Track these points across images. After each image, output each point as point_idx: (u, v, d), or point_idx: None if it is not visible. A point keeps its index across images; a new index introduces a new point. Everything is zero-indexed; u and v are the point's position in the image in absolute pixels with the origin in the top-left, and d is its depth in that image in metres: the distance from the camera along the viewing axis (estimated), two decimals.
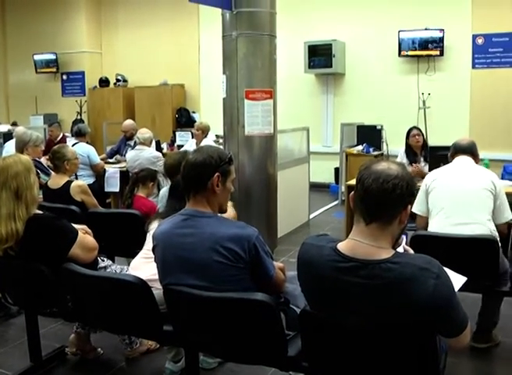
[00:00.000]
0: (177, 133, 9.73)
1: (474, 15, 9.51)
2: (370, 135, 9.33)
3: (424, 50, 9.88)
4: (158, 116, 12.38)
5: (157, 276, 2.82)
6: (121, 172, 7.32)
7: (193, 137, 8.36)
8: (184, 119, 12.23)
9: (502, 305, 4.15)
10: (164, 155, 7.41)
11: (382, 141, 9.30)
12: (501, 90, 9.38)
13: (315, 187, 9.60)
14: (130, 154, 6.98)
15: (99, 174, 7.31)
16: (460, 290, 2.39)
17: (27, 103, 13.98)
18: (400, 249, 2.30)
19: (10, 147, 6.65)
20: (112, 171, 7.39)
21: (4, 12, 14.54)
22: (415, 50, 9.98)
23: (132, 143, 7.93)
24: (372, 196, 1.98)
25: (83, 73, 13.57)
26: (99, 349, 3.95)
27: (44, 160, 6.22)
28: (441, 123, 9.27)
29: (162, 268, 2.69)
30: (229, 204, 3.03)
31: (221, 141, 7.47)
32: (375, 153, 8.96)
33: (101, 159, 7.67)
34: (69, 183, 4.90)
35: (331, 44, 10.29)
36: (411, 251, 2.36)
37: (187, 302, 2.58)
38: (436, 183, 4.04)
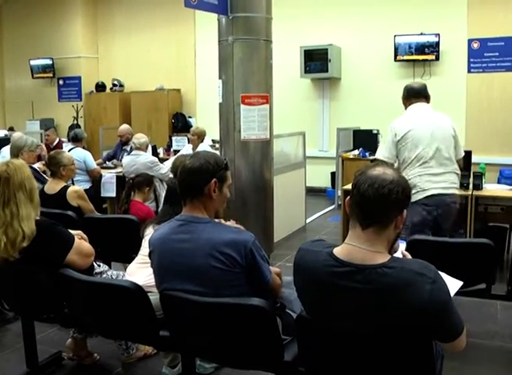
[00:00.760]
0: (173, 138, 9.73)
1: (469, 19, 9.54)
2: (366, 140, 9.35)
3: (420, 54, 9.91)
4: (154, 121, 12.38)
5: (153, 282, 2.82)
6: (117, 177, 7.31)
7: (189, 142, 8.36)
8: (180, 124, 12.23)
9: (500, 310, 4.18)
10: (160, 160, 7.41)
11: (379, 146, 9.30)
12: (497, 94, 9.41)
13: (311, 192, 9.63)
14: (126, 159, 6.98)
15: (95, 179, 7.31)
16: (457, 294, 2.40)
17: (23, 108, 13.97)
18: (399, 254, 2.31)
19: (6, 152, 6.65)
20: (109, 176, 7.38)
21: (0, 17, 14.54)
22: (411, 54, 10.00)
23: (128, 148, 7.93)
24: (368, 201, 1.99)
25: (79, 78, 13.57)
26: (96, 355, 3.95)
27: (39, 165, 6.21)
28: None
29: (159, 273, 2.69)
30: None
31: (217, 146, 7.47)
32: (372, 157, 8.96)
33: (98, 164, 7.67)
34: (65, 188, 4.90)
35: (327, 49, 10.31)
36: (409, 257, 2.37)
37: (184, 308, 2.58)
38: (408, 136, 4.39)
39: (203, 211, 2.61)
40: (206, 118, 11.20)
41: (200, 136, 7.83)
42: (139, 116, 12.48)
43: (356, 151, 9.26)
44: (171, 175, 6.11)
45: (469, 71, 9.73)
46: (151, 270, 2.84)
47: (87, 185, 7.04)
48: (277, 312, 2.66)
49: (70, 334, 3.87)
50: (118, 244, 4.20)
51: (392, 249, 2.11)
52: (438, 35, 9.67)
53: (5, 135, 9.01)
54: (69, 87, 13.76)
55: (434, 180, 4.31)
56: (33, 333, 3.65)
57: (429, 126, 4.43)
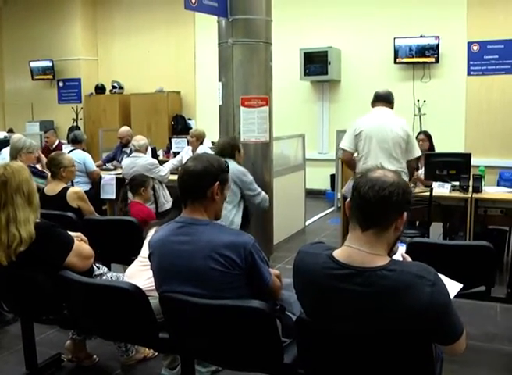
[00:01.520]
0: (173, 141, 9.72)
1: (469, 22, 9.55)
2: None
3: (420, 57, 9.92)
4: (153, 123, 12.38)
5: (153, 286, 2.82)
6: (117, 179, 7.31)
7: (189, 144, 8.36)
8: (180, 127, 12.24)
9: (500, 313, 4.18)
10: (160, 162, 7.41)
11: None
12: (496, 97, 9.42)
13: (311, 194, 9.63)
14: (126, 161, 6.98)
15: (95, 181, 7.31)
16: (456, 296, 2.40)
17: (23, 110, 13.98)
18: (399, 257, 2.31)
19: (6, 154, 6.65)
20: (108, 178, 7.38)
21: (0, 19, 14.55)
22: (410, 57, 10.01)
23: (128, 150, 7.93)
24: (368, 203, 1.99)
25: (79, 80, 13.57)
26: (95, 356, 3.95)
27: (39, 167, 6.21)
28: (436, 129, 9.26)
29: (158, 275, 2.69)
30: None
31: None
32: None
33: (97, 166, 7.67)
34: (65, 189, 4.91)
35: (326, 52, 10.32)
36: (409, 259, 2.37)
37: (183, 310, 2.57)
38: (364, 132, 5.23)
39: (203, 213, 2.62)
40: (206, 120, 11.19)
41: (200, 138, 7.83)
42: (139, 118, 12.48)
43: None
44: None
45: (469, 74, 9.74)
46: (150, 274, 2.84)
47: (87, 187, 7.04)
48: (277, 315, 2.66)
49: (69, 336, 3.86)
50: (118, 245, 4.19)
51: (391, 252, 2.11)
52: (437, 38, 9.68)
53: (5, 137, 9.00)
54: (69, 89, 13.77)
55: None
56: (33, 335, 3.65)
57: (381, 128, 5.16)
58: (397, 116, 5.32)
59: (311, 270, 2.11)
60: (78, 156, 6.93)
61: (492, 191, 5.93)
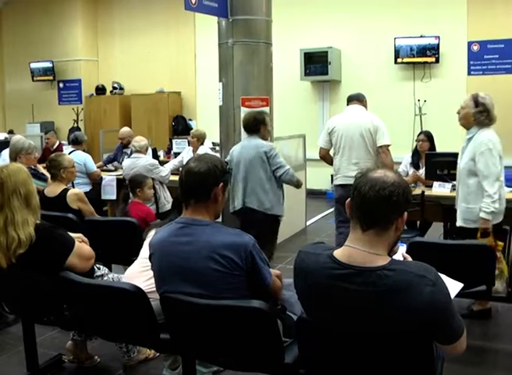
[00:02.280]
0: (174, 141, 9.72)
1: (469, 22, 9.55)
2: None
3: (420, 57, 9.92)
4: (154, 124, 12.39)
5: (153, 288, 2.82)
6: (118, 180, 7.31)
7: (189, 145, 8.36)
8: (181, 127, 12.24)
9: (501, 313, 4.18)
10: (160, 162, 7.41)
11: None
12: (497, 96, 9.27)
13: (312, 194, 9.63)
14: (127, 162, 6.98)
15: (96, 182, 7.31)
16: (457, 296, 2.39)
17: (24, 111, 13.98)
18: (399, 257, 2.31)
19: (6, 155, 6.66)
20: (109, 179, 7.38)
21: (0, 20, 14.57)
22: (411, 57, 10.01)
23: (129, 151, 7.93)
24: (369, 203, 1.98)
25: (79, 81, 13.58)
26: (96, 357, 3.95)
27: (40, 167, 6.21)
28: (437, 129, 9.21)
29: (159, 276, 2.69)
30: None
31: (217, 148, 7.47)
32: None
33: (98, 167, 7.67)
34: (65, 191, 4.91)
35: (327, 52, 10.32)
36: (410, 259, 2.36)
37: (184, 310, 2.57)
38: (336, 129, 5.65)
39: (204, 214, 2.62)
40: (206, 121, 11.19)
41: (201, 138, 7.83)
42: (139, 118, 12.49)
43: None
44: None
45: (469, 73, 9.74)
46: (149, 275, 2.84)
47: (88, 188, 7.04)
48: (277, 315, 2.66)
49: (70, 337, 3.86)
50: (118, 246, 4.19)
51: (391, 251, 2.11)
52: (438, 37, 9.68)
53: (5, 138, 9.01)
54: (70, 90, 13.77)
55: (349, 168, 5.48)
56: (34, 336, 3.65)
57: (352, 123, 5.56)
58: (369, 112, 5.77)
59: (311, 270, 2.11)
60: (79, 157, 6.93)
61: None
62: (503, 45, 9.40)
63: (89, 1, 13.49)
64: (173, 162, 7.90)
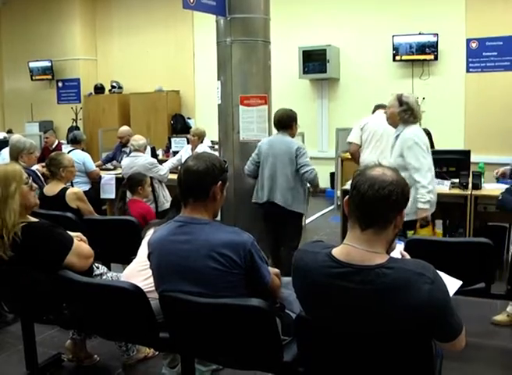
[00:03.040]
0: (172, 140, 9.71)
1: (467, 19, 9.55)
2: None
3: (419, 54, 9.91)
4: (153, 123, 12.39)
5: (151, 287, 2.83)
6: (117, 178, 7.31)
7: (188, 143, 8.36)
8: (179, 126, 12.23)
9: (500, 310, 4.18)
10: (159, 161, 7.41)
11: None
12: (495, 93, 9.41)
13: (311, 192, 9.60)
14: (125, 161, 6.97)
15: (95, 181, 7.31)
16: (456, 293, 2.40)
17: (23, 110, 13.98)
18: (397, 254, 2.31)
19: (6, 154, 6.65)
20: (108, 178, 7.38)
21: None
22: (409, 54, 10.01)
23: (128, 150, 7.92)
24: (368, 203, 1.98)
25: (78, 80, 13.57)
26: (95, 356, 3.95)
27: (39, 167, 6.20)
28: (436, 127, 9.25)
29: (158, 275, 2.69)
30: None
31: (216, 146, 7.47)
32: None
33: (97, 166, 7.67)
34: (64, 190, 4.91)
35: (325, 50, 10.32)
36: (408, 257, 2.36)
37: (183, 309, 2.58)
38: (367, 126, 6.62)
39: (203, 212, 2.62)
40: (205, 119, 11.18)
41: (201, 137, 7.83)
42: (138, 117, 12.49)
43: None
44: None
45: (468, 71, 9.74)
46: (148, 275, 2.84)
47: (87, 187, 7.03)
48: (276, 313, 2.66)
49: (70, 336, 3.87)
50: (117, 245, 4.19)
51: (389, 249, 2.11)
52: (436, 35, 9.68)
53: (4, 137, 9.01)
54: (68, 89, 13.77)
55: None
56: (33, 335, 3.65)
57: (380, 124, 5.97)
58: None
59: (310, 269, 2.11)
60: (78, 156, 6.92)
61: (491, 187, 5.91)
62: (501, 42, 9.39)
63: (87, 1, 13.49)
64: (172, 161, 7.90)
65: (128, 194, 5.60)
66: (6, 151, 6.69)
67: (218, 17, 5.81)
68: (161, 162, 7.54)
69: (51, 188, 4.96)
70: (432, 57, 9.84)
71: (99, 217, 5.10)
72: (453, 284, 2.44)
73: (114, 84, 13.01)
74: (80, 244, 3.28)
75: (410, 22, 9.88)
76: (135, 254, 3.58)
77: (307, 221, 8.29)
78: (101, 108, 13.04)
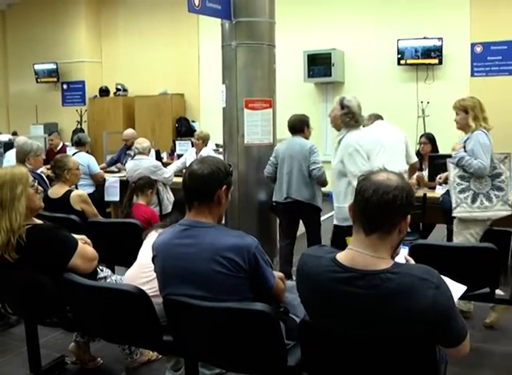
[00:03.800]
0: (177, 143, 9.72)
1: (472, 23, 9.54)
2: None
3: (423, 58, 9.91)
4: (157, 126, 12.39)
5: (153, 292, 2.83)
6: (121, 181, 7.32)
7: (193, 147, 8.36)
8: (184, 129, 12.24)
9: (504, 315, 4.17)
10: (164, 164, 7.42)
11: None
12: (500, 98, 9.38)
13: None
14: (130, 164, 6.98)
15: (99, 183, 7.32)
16: (460, 298, 2.39)
17: (28, 112, 14.00)
18: (402, 259, 2.31)
19: (11, 156, 6.66)
20: (112, 180, 7.39)
21: (4, 22, 14.61)
22: (414, 58, 10.00)
23: (132, 152, 7.94)
24: (373, 208, 1.98)
25: (83, 83, 13.60)
26: (99, 359, 3.95)
27: (44, 169, 6.22)
28: (440, 131, 9.24)
29: (162, 278, 2.69)
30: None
31: (220, 150, 7.47)
32: None
33: (101, 169, 7.68)
34: (69, 192, 4.91)
35: (330, 53, 10.32)
36: (412, 262, 2.36)
37: (187, 312, 2.58)
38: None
39: (207, 216, 2.62)
40: (209, 122, 11.18)
41: (205, 140, 7.84)
42: (142, 120, 12.49)
43: None
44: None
45: (472, 75, 9.73)
46: (150, 277, 2.85)
47: (91, 189, 7.05)
48: (280, 317, 2.66)
49: (73, 338, 3.87)
50: (121, 248, 4.19)
51: (394, 253, 2.11)
52: (441, 39, 9.67)
53: (9, 140, 9.03)
54: (73, 92, 13.80)
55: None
56: (37, 338, 3.65)
57: (389, 137, 5.44)
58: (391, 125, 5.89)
59: (314, 273, 2.11)
60: (82, 159, 6.94)
61: None
62: (506, 47, 9.39)
63: (92, 3, 13.52)
64: (176, 164, 7.90)
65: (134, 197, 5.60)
66: (12, 153, 6.71)
67: (223, 21, 5.82)
68: (165, 165, 7.54)
69: (56, 191, 4.96)
70: (436, 61, 9.83)
71: (103, 220, 5.10)
72: (457, 289, 2.43)
73: (119, 87, 13.03)
74: (85, 246, 3.28)
75: (414, 26, 9.88)
76: None
77: None
78: (106, 111, 13.05)
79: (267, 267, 2.61)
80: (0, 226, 3.04)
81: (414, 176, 6.10)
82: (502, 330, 4.41)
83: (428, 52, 9.86)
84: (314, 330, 2.20)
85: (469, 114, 4.85)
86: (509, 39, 9.31)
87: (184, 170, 2.76)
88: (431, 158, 6.17)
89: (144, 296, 2.77)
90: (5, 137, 9.57)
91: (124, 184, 7.10)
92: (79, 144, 7.66)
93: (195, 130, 10.65)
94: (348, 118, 4.78)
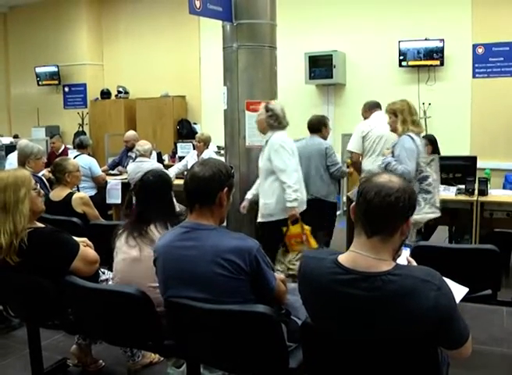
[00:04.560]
0: (178, 145, 9.74)
1: (474, 24, 9.52)
2: None
3: (425, 60, 9.89)
4: (159, 128, 12.39)
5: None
6: (122, 183, 7.33)
7: (194, 149, 8.37)
8: (185, 131, 12.23)
9: (507, 317, 4.16)
10: (165, 166, 7.42)
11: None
12: (502, 99, 9.38)
13: None
14: (131, 166, 6.99)
15: (101, 186, 7.33)
16: (462, 300, 2.39)
17: (29, 115, 14.01)
18: (403, 260, 2.30)
19: (13, 159, 6.67)
20: (114, 183, 7.40)
21: (6, 25, 14.62)
22: (415, 60, 9.99)
23: (133, 155, 7.95)
24: (375, 210, 1.98)
25: (84, 85, 13.60)
26: (101, 361, 3.95)
27: (45, 172, 6.22)
28: (442, 132, 9.23)
29: (163, 280, 2.69)
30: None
31: (222, 152, 7.47)
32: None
33: (103, 171, 7.69)
34: (70, 195, 4.92)
35: (331, 55, 10.30)
36: (414, 263, 2.36)
37: (188, 314, 2.58)
38: (372, 133, 6.10)
39: (209, 218, 2.62)
40: (211, 124, 11.18)
41: (206, 142, 7.85)
42: (144, 122, 12.49)
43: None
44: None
45: (474, 76, 9.71)
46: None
47: (93, 192, 7.06)
48: (282, 319, 2.66)
49: (75, 341, 3.87)
50: None
51: (396, 255, 2.11)
52: (442, 40, 9.66)
53: (11, 142, 9.04)
54: (75, 95, 13.79)
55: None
56: (39, 340, 3.65)
57: (382, 128, 5.85)
58: None
59: (315, 275, 2.11)
60: (84, 161, 6.95)
61: (497, 193, 5.92)
62: (507, 48, 9.36)
63: (94, 6, 13.52)
64: (178, 166, 7.92)
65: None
66: (13, 155, 6.72)
67: (224, 23, 5.82)
68: (167, 167, 7.55)
69: (57, 193, 4.96)
70: (438, 63, 9.81)
71: (105, 222, 5.11)
72: (459, 291, 2.44)
73: (120, 89, 13.02)
74: (86, 249, 3.29)
75: (416, 27, 9.86)
76: None
77: None
78: (108, 114, 13.05)
79: (268, 269, 2.61)
80: (4, 229, 3.04)
81: None
82: (505, 331, 4.41)
83: (429, 54, 9.84)
84: (315, 332, 2.20)
85: (398, 117, 4.98)
86: (511, 40, 9.29)
87: (186, 172, 2.76)
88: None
89: (146, 298, 2.77)
90: (7, 140, 9.56)
91: (126, 187, 7.11)
92: (80, 146, 7.67)
93: (196, 133, 10.65)
94: (272, 120, 5.13)
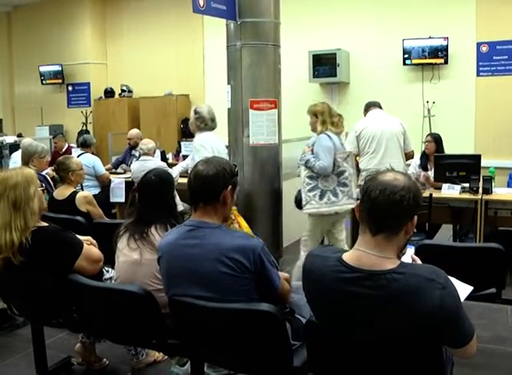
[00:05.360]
0: (182, 144, 9.70)
1: (478, 23, 9.50)
2: None
3: (429, 58, 9.87)
4: (163, 127, 12.37)
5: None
6: (126, 182, 7.33)
7: None
8: (189, 130, 12.21)
9: (511, 315, 4.15)
10: (169, 165, 7.42)
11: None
12: (506, 97, 9.35)
13: None
14: (135, 165, 6.98)
15: (104, 185, 7.33)
16: (467, 299, 2.38)
17: (33, 114, 14.01)
18: (408, 259, 2.30)
19: (17, 158, 6.68)
20: (118, 181, 7.40)
21: (10, 24, 14.63)
22: (419, 58, 9.96)
23: (137, 153, 7.95)
24: (379, 208, 1.97)
25: (88, 84, 13.59)
26: (105, 359, 3.95)
27: (49, 171, 6.22)
28: (446, 131, 9.19)
29: (167, 279, 2.69)
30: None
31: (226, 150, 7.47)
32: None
33: (107, 170, 7.69)
34: (74, 193, 4.92)
35: (335, 54, 10.28)
36: (419, 261, 2.35)
37: (193, 313, 2.58)
38: (365, 131, 6.21)
39: (213, 216, 2.63)
40: None
41: None
42: (148, 121, 12.48)
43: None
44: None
45: (478, 74, 9.68)
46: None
47: (96, 190, 7.06)
48: (286, 318, 2.65)
49: (79, 339, 3.87)
50: None
51: (400, 253, 2.10)
52: (446, 39, 9.63)
53: (15, 141, 9.04)
54: (78, 93, 13.79)
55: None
56: (43, 339, 3.65)
57: (380, 126, 6.14)
58: (390, 115, 6.40)
59: (320, 273, 2.11)
60: (87, 160, 6.95)
61: (502, 192, 5.91)
62: None
63: (97, 5, 13.52)
64: (181, 165, 7.89)
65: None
66: (17, 154, 6.73)
67: (228, 21, 5.81)
68: (171, 166, 7.54)
69: (61, 192, 4.97)
70: (442, 61, 9.78)
71: (109, 221, 5.10)
72: (464, 290, 2.43)
73: (124, 88, 13.02)
74: (90, 248, 3.29)
75: (420, 26, 9.83)
76: None
77: None
78: (111, 112, 13.04)
79: (272, 268, 2.61)
80: (15, 226, 3.06)
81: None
82: (510, 330, 4.40)
83: (433, 52, 9.82)
84: (319, 330, 2.19)
85: (318, 118, 5.33)
86: None
87: (189, 171, 2.76)
88: (437, 159, 6.15)
89: (150, 297, 2.77)
90: (11, 139, 9.56)
91: (130, 185, 7.10)
92: (84, 145, 7.67)
93: None
94: (199, 122, 5.75)
